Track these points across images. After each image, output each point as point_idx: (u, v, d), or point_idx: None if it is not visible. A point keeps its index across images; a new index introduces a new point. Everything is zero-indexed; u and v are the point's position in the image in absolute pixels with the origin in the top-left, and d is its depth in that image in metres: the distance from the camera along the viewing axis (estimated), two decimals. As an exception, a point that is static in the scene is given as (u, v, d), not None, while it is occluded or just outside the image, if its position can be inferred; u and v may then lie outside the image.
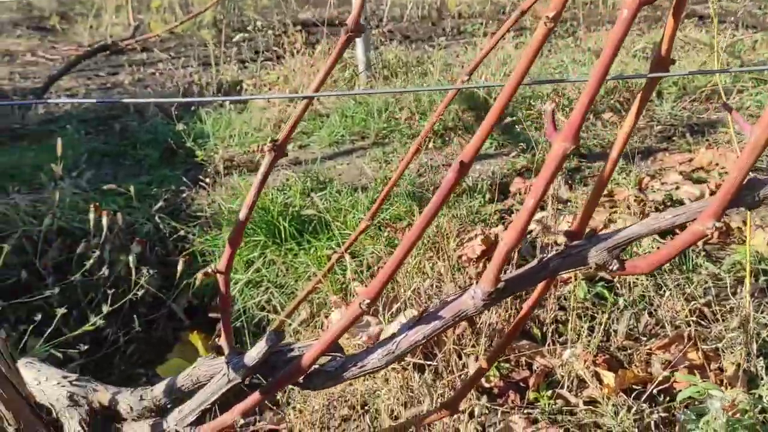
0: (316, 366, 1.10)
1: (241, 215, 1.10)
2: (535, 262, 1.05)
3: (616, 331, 1.84)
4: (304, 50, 5.01)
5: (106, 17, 7.09)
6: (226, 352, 1.12)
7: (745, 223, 2.44)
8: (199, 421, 1.16)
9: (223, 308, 1.12)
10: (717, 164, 2.92)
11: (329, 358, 1.12)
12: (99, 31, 6.97)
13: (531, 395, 1.71)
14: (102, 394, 1.22)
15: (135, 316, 2.30)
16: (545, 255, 1.05)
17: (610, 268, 1.01)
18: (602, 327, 1.77)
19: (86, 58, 5.43)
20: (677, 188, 2.65)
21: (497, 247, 1.00)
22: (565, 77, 4.42)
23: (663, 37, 1.00)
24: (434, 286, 2.09)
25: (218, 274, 1.11)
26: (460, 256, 2.29)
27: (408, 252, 1.01)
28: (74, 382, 1.23)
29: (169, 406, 1.20)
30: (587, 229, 1.06)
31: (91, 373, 2.35)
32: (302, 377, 1.10)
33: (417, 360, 1.76)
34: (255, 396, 1.10)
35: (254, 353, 1.08)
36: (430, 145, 3.46)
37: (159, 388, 1.21)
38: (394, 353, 1.07)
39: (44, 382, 1.24)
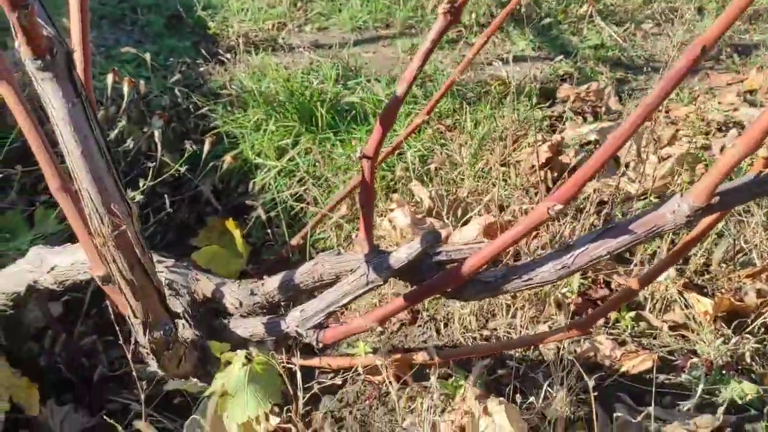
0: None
1: (399, 90, 0.91)
2: (751, 175, 0.90)
3: (700, 255, 1.74)
4: None
5: None
6: (366, 249, 0.96)
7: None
8: (323, 324, 1.01)
9: (367, 200, 0.95)
10: (769, 88, 2.79)
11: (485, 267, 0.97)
12: None
13: (612, 315, 1.62)
14: (205, 284, 1.05)
15: (161, 196, 2.10)
16: (762, 171, 0.90)
17: (839, 190, 0.87)
18: (699, 251, 1.67)
19: None
20: (735, 110, 2.52)
21: (723, 156, 0.84)
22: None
23: None
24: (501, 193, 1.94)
25: (364, 159, 0.92)
26: (518, 161, 2.14)
27: (614, 152, 0.85)
28: (172, 269, 1.06)
29: (282, 303, 1.05)
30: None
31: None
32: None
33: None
34: (398, 302, 0.95)
35: (403, 254, 0.93)
36: (470, 40, 3.22)
37: (272, 283, 1.05)
38: (569, 268, 0.93)
39: (134, 266, 1.06)
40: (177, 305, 1.02)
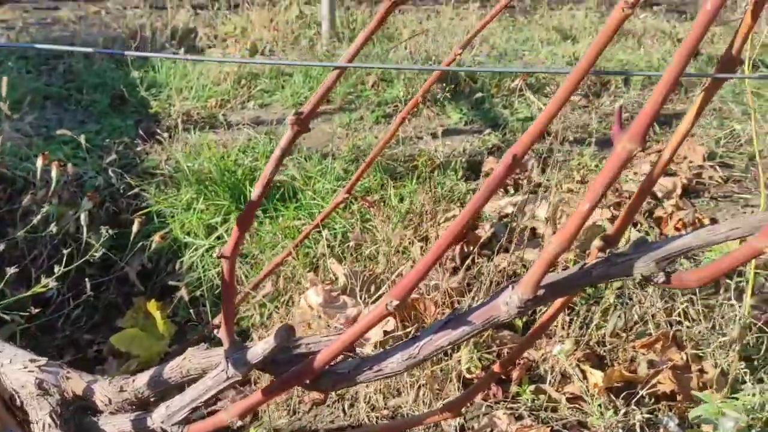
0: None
1: (254, 194, 0.98)
2: (576, 268, 0.97)
3: (597, 327, 1.81)
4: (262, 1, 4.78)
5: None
6: (226, 345, 1.00)
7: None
8: (188, 419, 1.04)
9: (226, 297, 1.00)
10: (685, 157, 2.93)
11: (341, 357, 1.02)
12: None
13: (513, 389, 1.67)
14: (75, 382, 1.08)
15: (85, 279, 2.12)
16: (586, 262, 0.97)
17: (656, 280, 0.95)
18: (593, 323, 1.74)
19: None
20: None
21: (543, 251, 0.92)
22: (533, 54, 4.37)
23: (736, 35, 0.93)
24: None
25: (223, 259, 0.98)
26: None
27: (443, 252, 0.92)
28: (44, 368, 1.09)
29: (152, 399, 1.08)
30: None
31: (33, 338, 2.18)
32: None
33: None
34: (257, 396, 0.99)
35: (260, 350, 0.97)
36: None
37: (142, 379, 1.09)
38: (415, 358, 0.98)
39: (7, 365, 1.09)
40: (45, 405, 1.04)
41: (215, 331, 2.08)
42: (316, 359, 0.96)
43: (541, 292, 0.93)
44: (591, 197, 0.88)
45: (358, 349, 1.77)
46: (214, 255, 2.30)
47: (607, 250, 0.98)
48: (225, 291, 1.00)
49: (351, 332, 0.94)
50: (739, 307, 1.63)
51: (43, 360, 1.10)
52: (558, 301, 1.13)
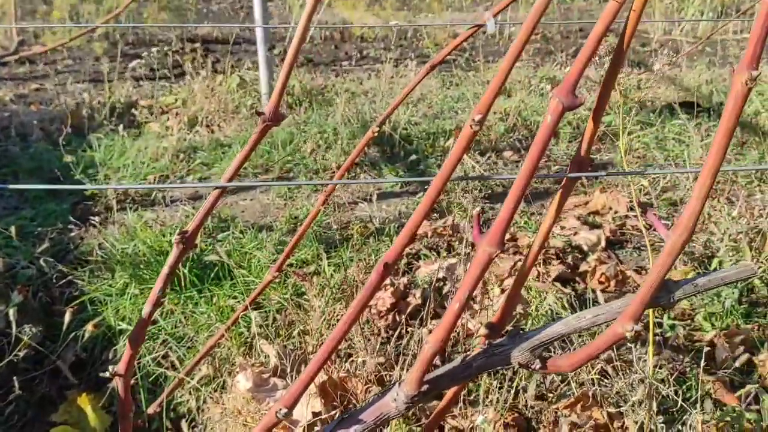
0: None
1: (145, 311, 1.01)
2: (458, 361, 1.02)
3: (524, 389, 1.86)
4: (203, 71, 4.85)
5: (-17, 25, 6.56)
6: (126, 461, 1.02)
7: (638, 270, 2.56)
8: None
9: (123, 414, 1.02)
10: (611, 208, 3.05)
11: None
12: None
13: (442, 462, 1.70)
14: None
15: (15, 376, 2.10)
16: (468, 354, 1.03)
17: (533, 367, 1.00)
18: (515, 387, 1.78)
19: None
20: (575, 233, 2.74)
21: (421, 350, 0.97)
22: (467, 111, 4.52)
23: (583, 139, 1.01)
24: (345, 341, 2.03)
25: (117, 377, 1.01)
26: (369, 308, 2.25)
27: (327, 358, 0.96)
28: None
29: None
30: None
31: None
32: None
33: None
34: None
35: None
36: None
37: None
38: (311, 460, 1.01)
39: None
40: None
41: (150, 420, 2.07)
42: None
43: (425, 387, 0.98)
44: (460, 297, 0.94)
45: (289, 432, 1.78)
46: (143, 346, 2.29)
47: (487, 341, 1.04)
48: (120, 408, 1.03)
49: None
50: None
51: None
52: (456, 388, 1.18)
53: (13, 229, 2.61)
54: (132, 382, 2.16)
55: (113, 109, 4.47)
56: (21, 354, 2.02)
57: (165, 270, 1.00)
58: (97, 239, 2.83)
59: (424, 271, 2.53)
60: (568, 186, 1.04)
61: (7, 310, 2.21)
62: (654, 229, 2.85)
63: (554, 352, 1.96)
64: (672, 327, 2.09)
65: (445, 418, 1.81)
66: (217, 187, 1.03)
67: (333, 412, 1.72)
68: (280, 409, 0.95)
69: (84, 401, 2.05)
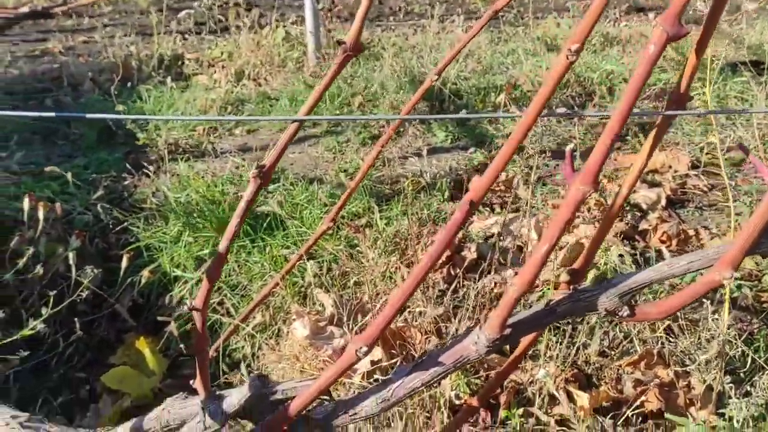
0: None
1: (221, 246, 0.99)
2: (542, 305, 0.99)
3: (585, 345, 1.82)
4: (248, 24, 4.81)
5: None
6: (203, 396, 1.02)
7: (697, 232, 2.47)
8: (169, 469, 1.06)
9: (199, 349, 1.02)
10: (670, 166, 2.95)
11: (316, 402, 1.03)
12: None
13: (502, 413, 1.68)
14: (57, 438, 1.09)
15: (75, 318, 2.14)
16: (552, 299, 0.99)
17: (621, 314, 0.96)
18: (576, 343, 1.75)
19: (13, 23, 5.04)
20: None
21: (506, 293, 0.93)
22: (518, 67, 4.40)
23: (683, 73, 0.95)
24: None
25: (194, 312, 1.00)
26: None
27: (409, 296, 0.93)
28: (25, 423, 1.10)
29: (133, 451, 1.09)
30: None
31: (26, 379, 2.19)
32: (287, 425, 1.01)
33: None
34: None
35: (235, 399, 0.99)
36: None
37: (122, 431, 1.10)
38: (389, 401, 0.99)
39: (-12, 422, 1.10)
40: (26, 461, 1.06)
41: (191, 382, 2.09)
42: (290, 406, 0.98)
43: (507, 331, 0.95)
44: (548, 239, 0.90)
45: (347, 380, 1.79)
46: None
47: (572, 286, 1.00)
48: (197, 342, 1.02)
49: (325, 377, 0.95)
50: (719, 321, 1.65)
51: (25, 416, 1.12)
52: (530, 336, 1.14)
53: (69, 175, 2.63)
54: (187, 327, 2.19)
55: (161, 61, 4.47)
56: (82, 296, 2.05)
57: (242, 205, 0.98)
58: (150, 188, 2.86)
59: (477, 225, 2.49)
60: (664, 124, 0.99)
61: (66, 253, 2.24)
62: (725, 186, 2.75)
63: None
64: (738, 287, 2.02)
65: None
66: (294, 120, 1.00)
67: (393, 360, 1.71)
68: (360, 347, 0.93)
69: (142, 344, 2.08)
